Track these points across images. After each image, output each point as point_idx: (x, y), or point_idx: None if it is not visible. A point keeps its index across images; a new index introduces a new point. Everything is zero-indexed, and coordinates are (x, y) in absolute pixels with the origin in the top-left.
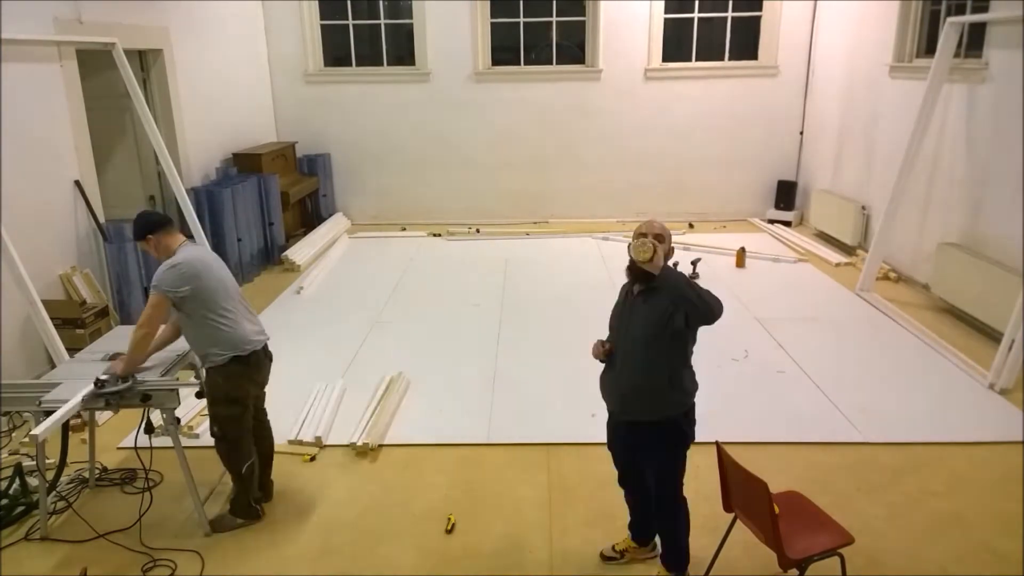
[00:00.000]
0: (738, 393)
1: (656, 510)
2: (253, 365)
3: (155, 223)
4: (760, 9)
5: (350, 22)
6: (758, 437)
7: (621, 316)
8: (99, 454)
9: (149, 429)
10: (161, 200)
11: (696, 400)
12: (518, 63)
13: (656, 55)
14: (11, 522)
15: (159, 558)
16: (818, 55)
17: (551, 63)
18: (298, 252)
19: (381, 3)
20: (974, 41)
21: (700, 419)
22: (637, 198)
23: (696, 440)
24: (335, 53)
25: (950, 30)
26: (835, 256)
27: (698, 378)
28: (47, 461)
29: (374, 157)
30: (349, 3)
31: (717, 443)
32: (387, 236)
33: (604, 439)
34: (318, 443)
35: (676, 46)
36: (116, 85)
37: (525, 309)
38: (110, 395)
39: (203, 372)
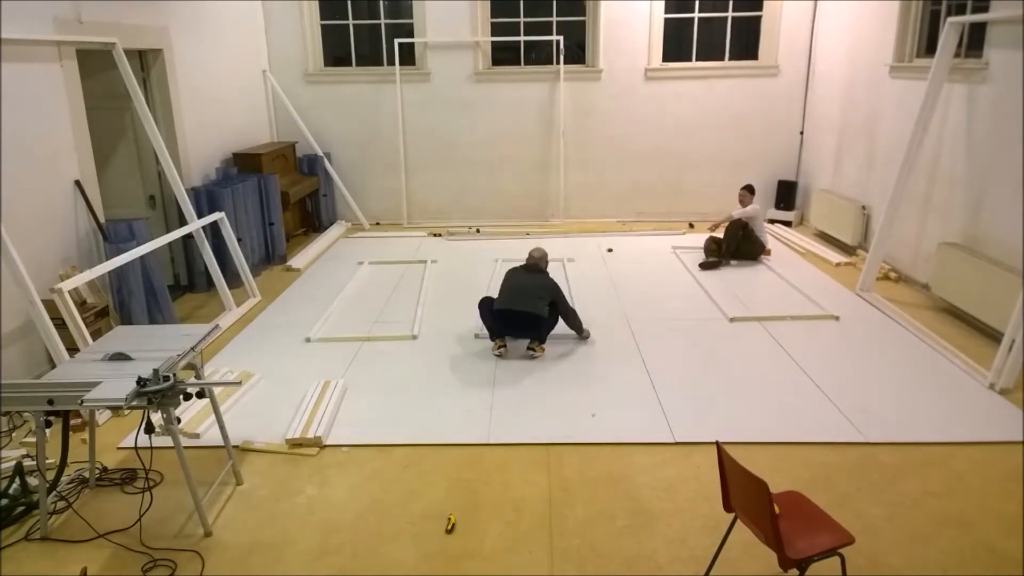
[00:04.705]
0: (738, 393)
1: None
2: None
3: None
4: (760, 9)
5: (350, 22)
6: (758, 437)
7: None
8: (99, 454)
9: (149, 429)
10: (161, 200)
11: (697, 400)
12: (518, 63)
13: (656, 55)
14: (11, 522)
15: (159, 558)
16: (818, 55)
17: (551, 63)
18: (299, 261)
19: (381, 3)
20: (974, 41)
21: (700, 419)
22: (637, 198)
23: (696, 440)
24: (335, 53)
25: (950, 30)
26: (835, 256)
27: (697, 377)
28: (47, 461)
29: (374, 157)
30: (349, 3)
31: (717, 443)
32: (388, 236)
33: (605, 439)
34: (318, 443)
35: (676, 46)
36: (116, 85)
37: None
38: (152, 393)
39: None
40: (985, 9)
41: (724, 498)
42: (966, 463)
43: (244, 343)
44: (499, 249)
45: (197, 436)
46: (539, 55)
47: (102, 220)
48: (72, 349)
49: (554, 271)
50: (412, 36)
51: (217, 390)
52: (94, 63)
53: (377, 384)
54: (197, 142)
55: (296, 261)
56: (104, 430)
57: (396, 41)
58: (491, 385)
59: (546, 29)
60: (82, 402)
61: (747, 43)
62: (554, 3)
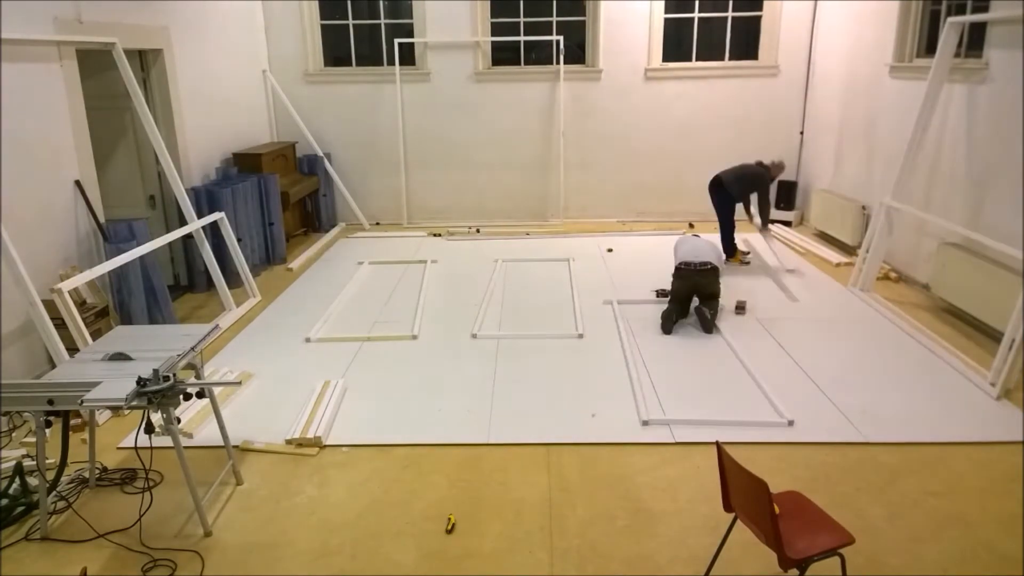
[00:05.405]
0: (737, 393)
1: None
2: None
3: None
4: (760, 9)
5: (350, 22)
6: (758, 437)
7: None
8: (99, 454)
9: (149, 429)
10: (161, 200)
11: (696, 400)
12: (518, 63)
13: (656, 55)
14: (11, 522)
15: (159, 558)
16: (818, 55)
17: (551, 63)
18: (299, 261)
19: (381, 3)
20: (974, 41)
21: (700, 419)
22: (637, 198)
23: (696, 440)
24: (335, 53)
25: (950, 30)
26: (835, 256)
27: (697, 377)
28: (47, 461)
29: (374, 157)
30: (349, 3)
31: (717, 443)
32: (388, 236)
33: (604, 439)
34: (318, 443)
35: (676, 46)
36: (116, 85)
37: (525, 308)
38: (152, 393)
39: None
40: (985, 9)
41: (724, 498)
42: (966, 463)
43: (244, 343)
44: (499, 249)
45: (190, 436)
46: (539, 55)
47: (102, 220)
48: (72, 349)
49: (555, 271)
50: (412, 36)
51: (217, 390)
52: (94, 63)
53: (377, 384)
54: (197, 142)
55: (296, 261)
56: (104, 430)
57: (396, 41)
58: (491, 385)
59: (546, 29)
60: (82, 402)
61: (747, 43)
62: (554, 3)
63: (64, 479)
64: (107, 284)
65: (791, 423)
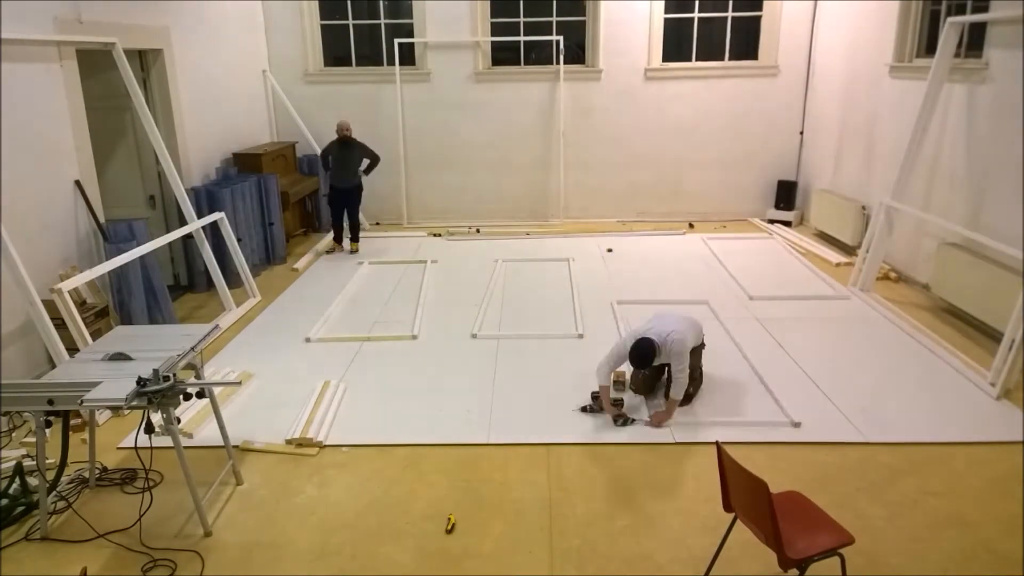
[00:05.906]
0: (737, 393)
1: None
2: None
3: None
4: (760, 9)
5: (350, 22)
6: (758, 437)
7: None
8: (99, 454)
9: (149, 429)
10: (161, 200)
11: (697, 402)
12: (518, 63)
13: (656, 55)
14: (11, 522)
15: (159, 558)
16: (818, 55)
17: (551, 63)
18: (299, 261)
19: (381, 3)
20: (974, 41)
21: (701, 420)
22: (637, 198)
23: (696, 440)
24: (335, 53)
25: (950, 30)
26: (835, 256)
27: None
28: (47, 461)
29: None
30: (349, 3)
31: (717, 443)
32: (388, 236)
33: (604, 439)
34: (318, 443)
35: (676, 46)
36: (116, 85)
37: (525, 308)
38: (152, 393)
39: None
40: (985, 9)
41: (724, 498)
42: (966, 463)
43: (244, 343)
44: (499, 249)
45: (190, 436)
46: (539, 55)
47: (102, 220)
48: (72, 349)
49: (555, 271)
50: (412, 36)
51: (217, 390)
52: (94, 63)
53: (377, 384)
54: (197, 142)
55: (301, 261)
56: (104, 430)
57: (396, 41)
58: (491, 385)
59: (546, 29)
60: (82, 402)
61: (747, 43)
62: (554, 3)
63: (64, 479)
64: (107, 284)
65: (798, 424)
